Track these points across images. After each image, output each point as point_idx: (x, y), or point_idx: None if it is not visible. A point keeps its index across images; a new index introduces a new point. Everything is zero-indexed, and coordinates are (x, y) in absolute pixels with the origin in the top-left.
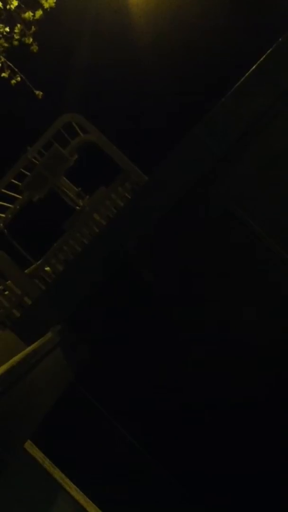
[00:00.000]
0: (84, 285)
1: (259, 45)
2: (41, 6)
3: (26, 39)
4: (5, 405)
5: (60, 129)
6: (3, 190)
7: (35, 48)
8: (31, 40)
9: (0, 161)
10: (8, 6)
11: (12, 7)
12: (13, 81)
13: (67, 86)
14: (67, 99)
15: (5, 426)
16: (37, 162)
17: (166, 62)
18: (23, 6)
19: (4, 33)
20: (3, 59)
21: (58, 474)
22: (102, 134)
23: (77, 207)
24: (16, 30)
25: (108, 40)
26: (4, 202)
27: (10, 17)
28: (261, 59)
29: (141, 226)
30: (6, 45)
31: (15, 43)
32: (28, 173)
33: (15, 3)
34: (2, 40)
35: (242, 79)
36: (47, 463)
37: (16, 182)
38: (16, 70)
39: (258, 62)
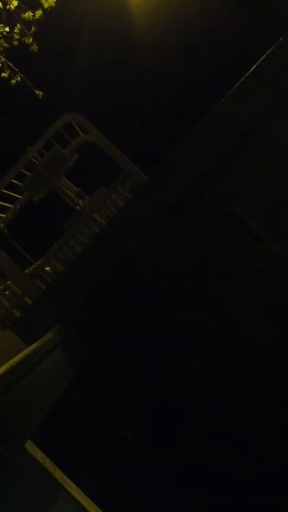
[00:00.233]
0: (84, 286)
1: (260, 45)
2: (41, 6)
3: (26, 39)
4: (5, 405)
5: (60, 129)
6: (3, 190)
7: (35, 48)
8: (31, 40)
9: (0, 161)
10: (8, 6)
11: (12, 7)
12: (13, 81)
13: (67, 86)
14: (67, 99)
15: (6, 426)
16: (37, 162)
17: (166, 62)
18: (23, 6)
19: (4, 33)
20: (3, 59)
21: (58, 474)
22: (102, 134)
23: (77, 207)
24: (16, 30)
25: (108, 40)
26: (5, 202)
27: (10, 17)
28: (261, 59)
29: (141, 226)
30: (6, 45)
31: (15, 43)
32: (28, 173)
33: (15, 3)
34: (2, 40)
35: (242, 79)
36: (47, 463)
37: (17, 182)
38: (16, 70)
39: (258, 62)
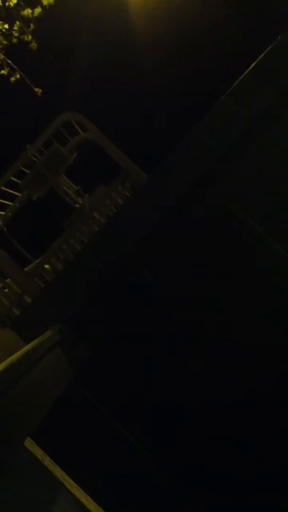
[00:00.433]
0: (83, 285)
1: (260, 45)
2: (40, 3)
3: (25, 36)
4: (4, 403)
5: (60, 127)
6: (3, 188)
7: (34, 45)
8: (30, 37)
9: (0, 159)
10: (7, 3)
11: (11, 4)
12: (12, 79)
13: (66, 84)
14: (66, 97)
15: (5, 424)
16: (36, 160)
17: (165, 61)
18: (22, 3)
19: (3, 31)
20: (2, 57)
21: (58, 472)
22: (101, 132)
23: (77, 205)
24: (15, 28)
25: (108, 38)
26: (4, 200)
27: (9, 15)
28: (260, 57)
29: (141, 225)
30: (5, 42)
31: (14, 40)
32: (27, 171)
33: (14, 0)
34: (1, 38)
35: (241, 77)
36: (47, 461)
37: (16, 180)
38: (15, 67)
39: (257, 60)
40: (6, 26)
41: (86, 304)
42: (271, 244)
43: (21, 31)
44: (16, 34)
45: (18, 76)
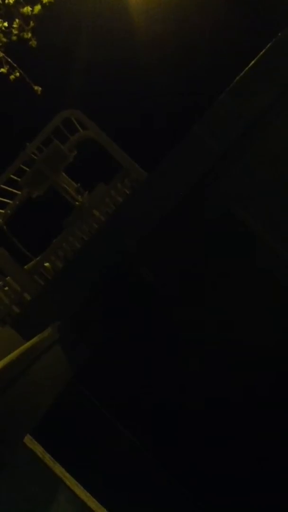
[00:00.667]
0: (83, 283)
1: (260, 44)
2: (39, 1)
3: (25, 34)
4: (3, 400)
5: (59, 125)
6: (3, 186)
7: (34, 43)
8: (29, 35)
9: (0, 157)
10: (6, 1)
11: (11, 1)
12: (12, 77)
13: (66, 82)
14: (66, 95)
15: (4, 422)
16: (36, 158)
17: (166, 59)
18: (21, 1)
19: (3, 28)
20: (1, 55)
21: (58, 469)
22: (101, 130)
23: (77, 203)
24: (14, 25)
25: (108, 36)
26: (4, 198)
27: (9, 12)
28: (259, 55)
29: (141, 225)
30: (4, 40)
31: (14, 38)
32: (27, 169)
33: None
34: (1, 35)
35: (240, 75)
36: (47, 458)
37: (16, 177)
38: (15, 65)
39: (256, 58)
40: (6, 23)
41: (86, 304)
42: (271, 244)
43: (21, 29)
44: (16, 32)
45: (17, 74)
